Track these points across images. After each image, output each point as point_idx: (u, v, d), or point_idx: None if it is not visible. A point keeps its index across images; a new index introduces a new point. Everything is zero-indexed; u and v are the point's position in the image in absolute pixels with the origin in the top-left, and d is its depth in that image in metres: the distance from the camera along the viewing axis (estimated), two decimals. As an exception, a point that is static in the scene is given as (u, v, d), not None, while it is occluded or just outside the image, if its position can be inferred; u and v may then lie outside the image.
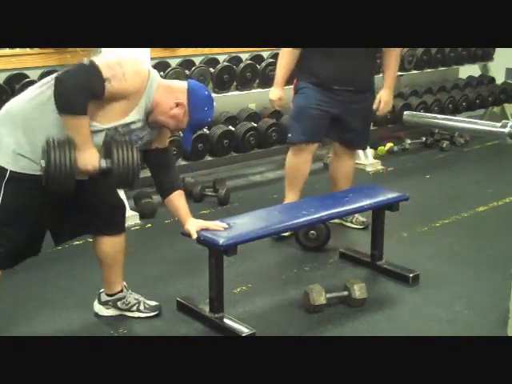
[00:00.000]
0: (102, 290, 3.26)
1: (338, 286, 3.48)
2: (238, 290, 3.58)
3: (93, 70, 2.62)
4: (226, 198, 4.91)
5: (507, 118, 6.78)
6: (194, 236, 3.06)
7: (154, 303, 3.29)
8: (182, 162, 4.94)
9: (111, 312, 3.26)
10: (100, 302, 3.26)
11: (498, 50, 6.96)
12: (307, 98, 4.03)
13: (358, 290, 3.35)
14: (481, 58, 6.96)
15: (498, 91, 6.89)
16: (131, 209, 4.61)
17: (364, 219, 4.30)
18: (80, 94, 2.60)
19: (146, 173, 4.92)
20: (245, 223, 3.28)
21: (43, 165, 2.59)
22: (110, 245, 3.10)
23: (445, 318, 3.30)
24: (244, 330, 3.09)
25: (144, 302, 3.27)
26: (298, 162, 4.15)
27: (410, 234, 4.29)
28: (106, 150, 2.77)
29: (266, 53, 5.50)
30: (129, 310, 3.24)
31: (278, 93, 4.09)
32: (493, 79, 7.11)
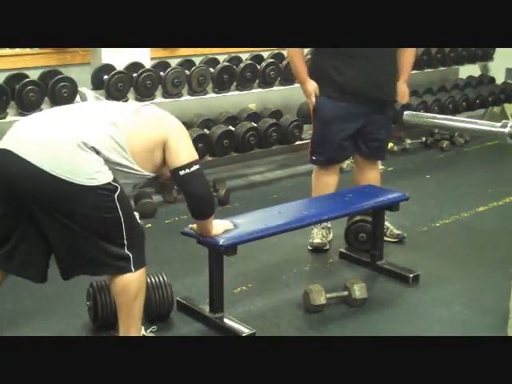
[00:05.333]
0: None
1: (338, 285, 3.48)
2: (238, 290, 3.58)
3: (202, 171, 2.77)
4: (226, 198, 4.91)
5: (507, 118, 6.78)
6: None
7: None
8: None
9: None
10: None
11: (498, 50, 6.95)
12: (328, 118, 3.80)
13: (358, 290, 3.35)
14: (481, 58, 6.96)
15: (498, 91, 6.88)
16: (131, 209, 4.60)
17: (399, 232, 4.18)
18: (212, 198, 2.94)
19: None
20: (245, 223, 3.28)
21: None
22: None
23: (445, 318, 3.30)
24: (244, 330, 3.10)
25: None
26: (325, 179, 3.99)
27: (410, 234, 4.28)
28: None
29: (266, 53, 5.49)
30: None
31: (313, 83, 3.79)
32: (493, 79, 7.10)
